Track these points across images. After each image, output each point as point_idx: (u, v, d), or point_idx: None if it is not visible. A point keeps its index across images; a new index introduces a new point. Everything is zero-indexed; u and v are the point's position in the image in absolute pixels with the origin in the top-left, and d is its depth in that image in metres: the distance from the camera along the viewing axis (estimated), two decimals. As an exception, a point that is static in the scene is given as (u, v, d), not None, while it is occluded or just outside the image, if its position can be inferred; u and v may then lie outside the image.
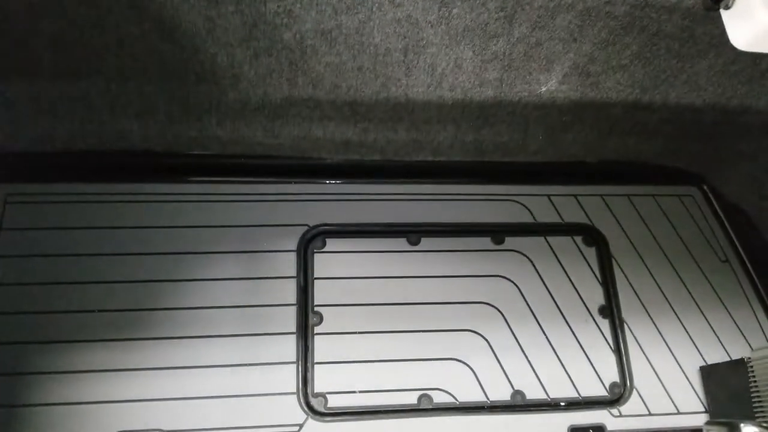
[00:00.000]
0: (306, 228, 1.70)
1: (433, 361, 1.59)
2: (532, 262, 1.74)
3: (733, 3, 1.02)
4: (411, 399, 1.55)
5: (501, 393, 1.58)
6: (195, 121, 1.60)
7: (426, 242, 1.74)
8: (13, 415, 1.44)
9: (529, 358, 1.62)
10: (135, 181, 1.69)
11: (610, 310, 1.69)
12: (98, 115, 1.52)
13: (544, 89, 1.54)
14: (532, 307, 1.68)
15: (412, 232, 1.74)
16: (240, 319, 1.56)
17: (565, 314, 1.68)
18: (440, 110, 1.60)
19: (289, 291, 1.61)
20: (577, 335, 1.65)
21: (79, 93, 1.47)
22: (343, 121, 1.62)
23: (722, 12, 1.04)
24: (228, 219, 1.67)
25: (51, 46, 1.34)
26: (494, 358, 1.61)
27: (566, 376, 1.61)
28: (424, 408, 1.55)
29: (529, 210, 1.80)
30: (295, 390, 1.52)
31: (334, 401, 1.53)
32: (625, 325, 1.68)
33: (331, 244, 1.71)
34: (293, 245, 1.67)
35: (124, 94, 1.47)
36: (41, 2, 1.24)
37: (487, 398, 1.57)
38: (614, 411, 1.58)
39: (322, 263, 1.68)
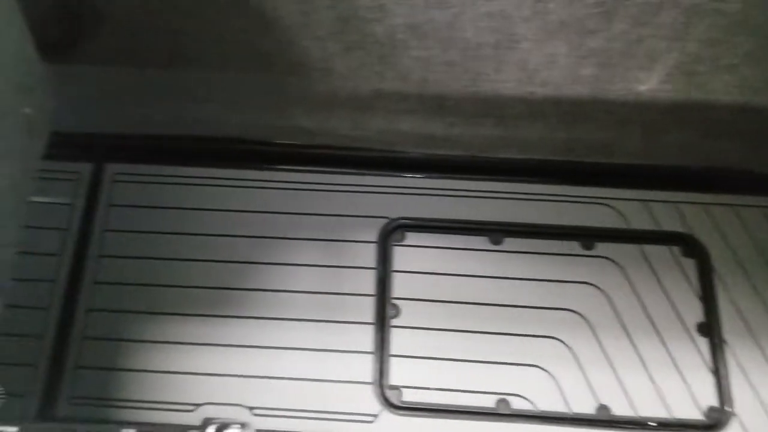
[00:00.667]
0: (387, 220, 1.71)
1: (512, 366, 1.55)
2: (624, 270, 1.64)
3: None
4: (488, 402, 1.52)
5: (585, 405, 1.51)
6: (285, 111, 1.65)
7: (509, 242, 1.69)
8: (111, 377, 1.56)
9: (617, 372, 1.54)
10: (228, 167, 1.77)
11: (710, 327, 1.57)
12: (197, 103, 1.61)
13: (643, 88, 1.46)
14: (622, 318, 1.59)
15: (495, 231, 1.70)
16: (319, 305, 1.60)
17: (658, 328, 1.57)
18: (530, 106, 1.56)
19: (367, 282, 1.63)
20: (671, 352, 1.55)
21: (181, 81, 1.57)
22: (429, 115, 1.62)
23: None
24: (311, 207, 1.71)
25: (158, 36, 1.44)
26: (578, 368, 1.54)
27: (657, 394, 1.51)
28: (502, 413, 1.51)
29: (623, 215, 1.70)
30: (371, 380, 1.54)
31: (409, 395, 1.53)
32: (725, 345, 1.55)
33: (411, 237, 1.70)
34: (373, 236, 1.69)
35: (221, 83, 1.55)
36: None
37: (570, 409, 1.50)
38: (709, 437, 1.47)
39: (401, 256, 1.68)
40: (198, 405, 1.55)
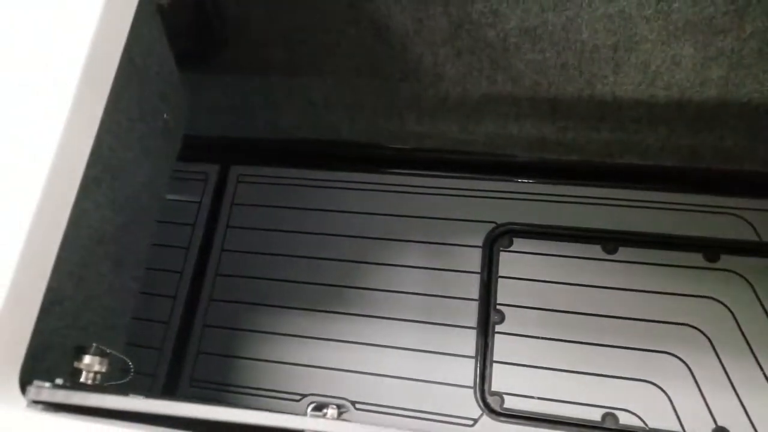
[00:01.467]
0: (494, 225, 1.70)
1: (622, 380, 1.49)
2: (752, 285, 1.52)
3: None
4: (594, 415, 1.47)
5: (700, 426, 1.42)
6: (397, 116, 1.69)
7: (624, 252, 1.63)
8: (227, 363, 1.68)
9: (739, 393, 1.43)
10: (342, 169, 1.84)
11: None
12: (315, 108, 1.69)
13: (782, 89, 1.34)
14: (748, 337, 1.48)
15: (609, 240, 1.64)
16: (423, 306, 1.62)
17: (789, 350, 1.45)
18: (651, 110, 1.48)
19: (472, 286, 1.63)
20: (803, 376, 1.42)
21: (301, 88, 1.66)
22: (540, 118, 1.59)
23: None
24: (419, 210, 1.75)
25: (281, 47, 1.53)
26: (695, 386, 1.45)
27: (784, 420, 1.39)
28: (609, 428, 1.45)
29: (753, 227, 1.58)
30: (472, 385, 1.54)
31: (511, 402, 1.52)
32: None
33: (519, 243, 1.68)
34: (479, 241, 1.69)
35: (338, 90, 1.62)
36: (276, 9, 1.42)
37: (683, 429, 1.42)
38: None
39: (507, 262, 1.66)
40: (304, 395, 1.63)
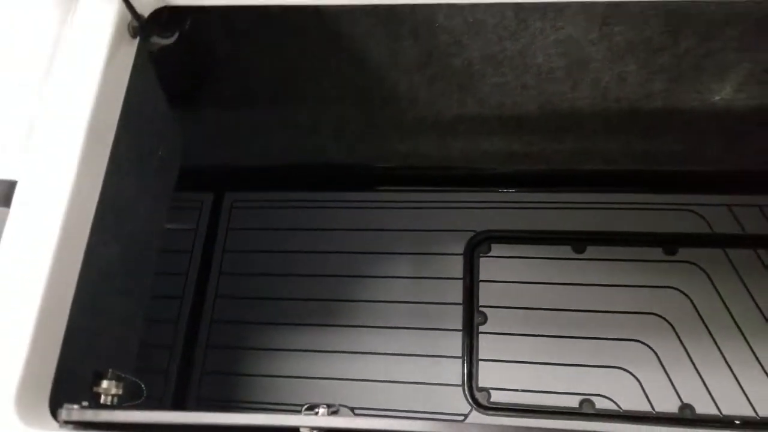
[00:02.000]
0: (473, 233, 1.84)
1: (596, 368, 1.63)
2: (707, 274, 1.68)
3: None
4: (572, 402, 1.61)
5: (668, 405, 1.56)
6: (380, 137, 1.83)
7: (592, 251, 1.77)
8: (231, 381, 1.79)
9: (701, 373, 1.58)
10: (330, 189, 1.97)
11: (798, 329, 1.58)
12: (302, 134, 1.82)
13: (717, 98, 1.50)
14: (706, 321, 1.63)
15: (578, 240, 1.79)
16: (412, 313, 1.75)
17: (742, 329, 1.60)
18: (607, 121, 1.64)
19: (456, 291, 1.77)
20: (756, 352, 1.57)
21: (288, 117, 1.79)
22: (509, 134, 1.74)
23: None
24: (404, 223, 1.88)
25: (268, 80, 1.67)
26: (662, 369, 1.60)
27: (742, 393, 1.54)
28: (586, 412, 1.59)
29: (705, 220, 1.74)
30: (460, 383, 1.67)
31: (497, 397, 1.65)
32: (814, 346, 1.55)
33: (497, 249, 1.82)
34: (460, 249, 1.82)
35: (323, 117, 1.75)
36: (263, 46, 1.54)
37: (653, 409, 1.56)
38: (797, 436, 1.48)
39: (487, 267, 1.80)
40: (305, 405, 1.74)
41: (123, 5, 1.02)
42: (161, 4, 1.10)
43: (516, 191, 1.88)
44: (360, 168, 1.97)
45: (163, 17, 1.15)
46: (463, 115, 1.70)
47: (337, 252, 1.87)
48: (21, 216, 0.92)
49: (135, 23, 1.06)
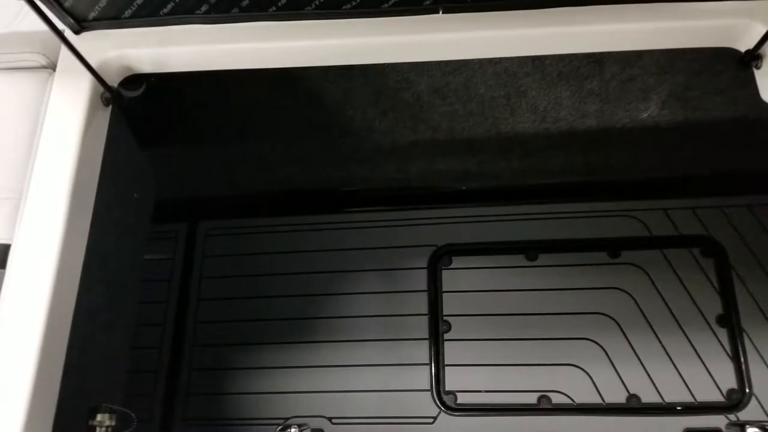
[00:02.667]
0: (435, 248, 1.98)
1: (551, 366, 1.78)
2: (648, 274, 1.84)
3: (762, 64, 1.12)
4: (531, 399, 1.75)
5: (617, 396, 1.72)
6: (342, 165, 1.96)
7: (543, 258, 1.92)
8: (214, 401, 1.90)
9: (645, 365, 1.73)
10: (298, 213, 2.09)
11: (729, 319, 1.74)
12: (268, 165, 1.94)
13: (645, 115, 1.66)
14: (648, 317, 1.79)
15: (530, 249, 1.93)
16: (382, 326, 1.88)
17: (681, 323, 1.76)
18: (548, 140, 1.79)
19: (421, 303, 1.90)
20: (693, 343, 1.73)
21: (255, 150, 1.90)
22: (461, 155, 1.88)
23: (755, 71, 1.15)
24: (370, 242, 2.00)
25: (234, 118, 1.78)
26: (610, 364, 1.75)
27: (682, 381, 1.70)
28: (544, 407, 1.74)
29: (644, 224, 1.90)
30: (429, 388, 1.80)
31: (463, 398, 1.78)
32: (744, 333, 1.72)
33: (457, 261, 1.96)
34: (424, 263, 1.96)
35: (287, 149, 1.87)
36: (226, 87, 1.65)
37: (603, 401, 1.72)
38: (731, 416, 1.64)
39: (449, 278, 1.94)
40: (287, 418, 1.86)
41: (94, 79, 1.13)
42: (129, 73, 1.21)
43: (472, 206, 2.02)
44: (325, 192, 2.09)
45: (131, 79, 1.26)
46: (418, 141, 1.83)
47: (308, 272, 1.99)
48: (16, 275, 1.02)
49: (107, 94, 1.17)
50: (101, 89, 1.16)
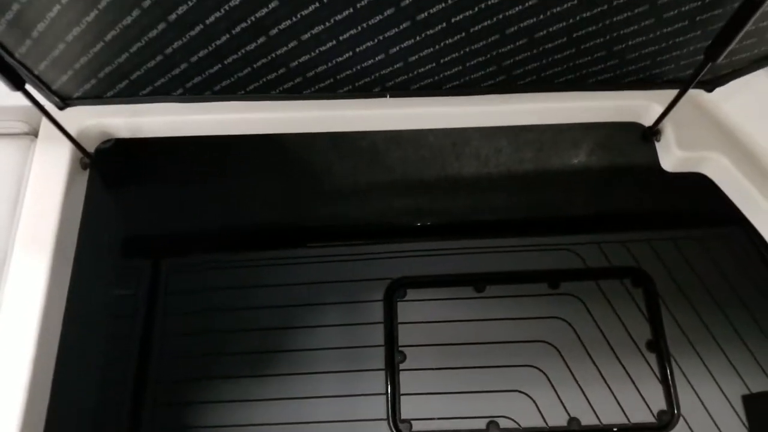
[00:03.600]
0: (390, 281, 2.10)
1: (498, 393, 1.91)
2: (584, 303, 2.00)
3: (661, 138, 1.32)
4: (481, 425, 1.87)
5: (559, 419, 1.86)
6: (303, 204, 2.07)
7: (490, 289, 2.07)
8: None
9: (584, 389, 1.89)
10: (260, 249, 2.18)
11: (657, 344, 1.92)
12: (233, 203, 2.03)
13: (576, 161, 1.84)
14: (585, 344, 1.95)
15: (479, 281, 2.08)
16: (340, 358, 1.98)
17: (615, 349, 1.93)
18: (492, 182, 1.95)
19: (377, 334, 2.01)
20: (626, 368, 1.90)
21: (219, 190, 2.00)
22: (414, 194, 2.02)
23: (656, 143, 1.34)
24: (329, 275, 2.11)
25: (197, 160, 1.87)
26: (552, 389, 1.90)
27: (617, 404, 1.86)
28: (492, 432, 1.87)
29: (581, 257, 2.07)
30: (385, 417, 1.90)
31: (418, 426, 1.89)
32: (671, 357, 1.90)
33: (411, 293, 2.09)
34: (380, 296, 2.08)
35: (251, 188, 1.97)
36: (195, 141, 1.75)
37: (546, 424, 1.86)
38: (661, 435, 1.80)
39: (404, 310, 2.06)
40: (250, 451, 1.94)
41: (73, 146, 1.23)
42: (105, 138, 1.31)
43: (424, 241, 2.16)
44: (286, 229, 2.19)
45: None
46: (375, 182, 1.96)
47: (268, 306, 2.08)
48: (3, 325, 1.10)
49: (86, 159, 1.27)
50: (80, 154, 1.26)
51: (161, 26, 0.98)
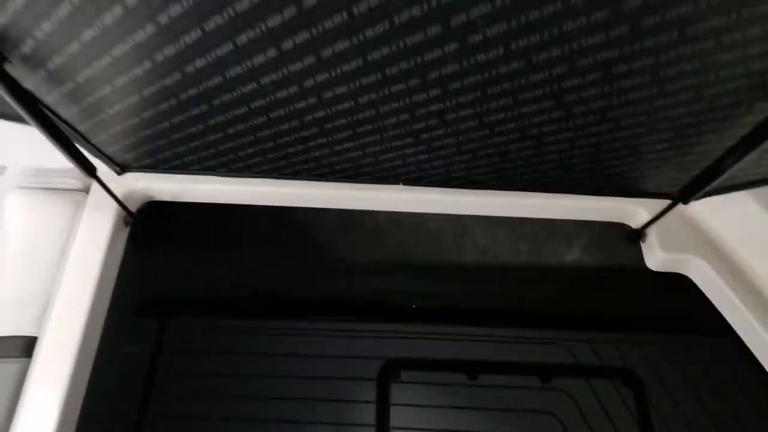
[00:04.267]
0: (384, 360, 2.14)
1: (484, 483, 1.90)
2: (575, 401, 2.02)
3: (646, 239, 1.44)
4: None
5: None
6: (307, 276, 2.17)
7: (483, 378, 2.10)
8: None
9: (570, 487, 1.87)
10: (262, 318, 2.24)
11: (645, 447, 1.92)
12: (242, 273, 2.14)
13: (569, 258, 1.94)
14: (574, 441, 1.95)
15: (472, 369, 2.11)
16: (328, 434, 2.00)
17: (603, 449, 1.93)
18: (487, 271, 2.04)
19: (369, 413, 2.03)
20: (613, 469, 1.89)
21: (229, 256, 2.11)
22: (411, 277, 2.11)
23: (641, 244, 1.46)
24: (324, 349, 2.16)
25: (217, 229, 2.00)
26: (536, 485, 1.89)
27: (602, 505, 1.84)
28: None
29: (572, 354, 2.11)
30: (371, 498, 1.89)
31: None
32: (658, 461, 1.89)
33: (405, 375, 2.12)
34: (374, 374, 2.11)
35: (260, 259, 2.08)
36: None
37: None
38: None
39: (396, 391, 2.09)
40: None
41: (119, 206, 1.39)
42: (148, 200, 1.48)
43: (422, 324, 2.22)
44: (288, 299, 2.27)
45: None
46: (375, 261, 2.06)
47: (264, 375, 2.12)
48: (41, 364, 1.22)
49: (129, 218, 1.42)
50: (124, 213, 1.41)
51: (218, 135, 1.17)
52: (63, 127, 1.12)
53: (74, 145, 1.18)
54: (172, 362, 2.16)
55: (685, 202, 1.44)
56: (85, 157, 1.23)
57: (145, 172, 1.36)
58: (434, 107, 1.03)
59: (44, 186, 1.48)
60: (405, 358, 2.14)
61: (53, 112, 1.08)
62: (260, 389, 2.09)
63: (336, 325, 2.22)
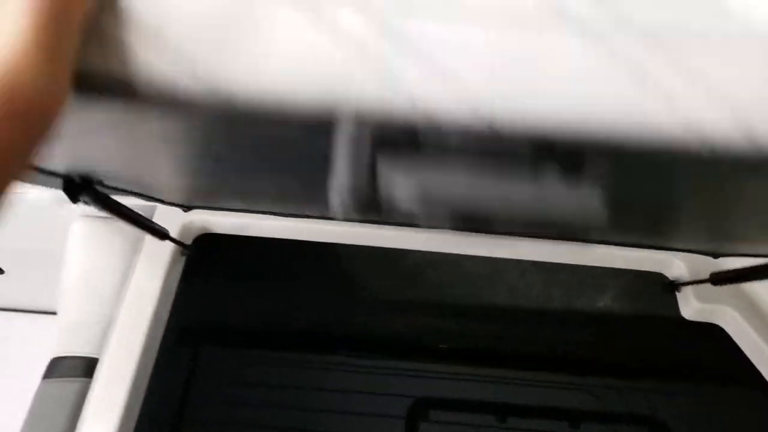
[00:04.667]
0: (414, 399, 2.17)
1: None
2: (604, 447, 2.04)
3: (682, 290, 1.49)
4: None
5: None
6: (340, 312, 2.23)
7: (512, 421, 2.12)
8: None
9: None
10: (292, 350, 2.30)
11: (674, 498, 1.91)
12: (279, 306, 2.21)
13: (601, 304, 1.98)
14: (603, 490, 1.95)
15: (501, 411, 2.14)
16: (356, 472, 2.03)
17: (631, 498, 1.93)
18: (519, 314, 2.08)
19: (397, 451, 2.06)
20: None
21: (272, 291, 2.18)
22: (444, 316, 2.17)
23: (677, 294, 1.51)
24: (353, 385, 2.20)
25: (265, 262, 2.08)
26: None
27: None
28: None
29: (601, 400, 2.13)
30: None
31: None
32: None
33: (434, 414, 2.15)
34: (403, 413, 2.14)
35: (298, 292, 2.15)
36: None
37: None
38: None
39: (425, 430, 2.11)
40: None
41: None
42: (204, 232, 1.57)
43: (453, 364, 2.25)
44: (320, 333, 2.33)
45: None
46: (408, 300, 2.13)
47: (292, 408, 2.16)
48: (102, 384, 1.29)
49: (185, 251, 1.51)
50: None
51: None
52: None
53: (143, 220, 1.29)
54: (200, 389, 2.21)
55: (716, 257, 1.49)
56: (155, 227, 1.34)
57: (206, 209, 1.46)
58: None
59: (106, 215, 1.57)
60: (435, 398, 2.17)
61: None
62: (283, 421, 2.12)
63: (366, 361, 2.26)
